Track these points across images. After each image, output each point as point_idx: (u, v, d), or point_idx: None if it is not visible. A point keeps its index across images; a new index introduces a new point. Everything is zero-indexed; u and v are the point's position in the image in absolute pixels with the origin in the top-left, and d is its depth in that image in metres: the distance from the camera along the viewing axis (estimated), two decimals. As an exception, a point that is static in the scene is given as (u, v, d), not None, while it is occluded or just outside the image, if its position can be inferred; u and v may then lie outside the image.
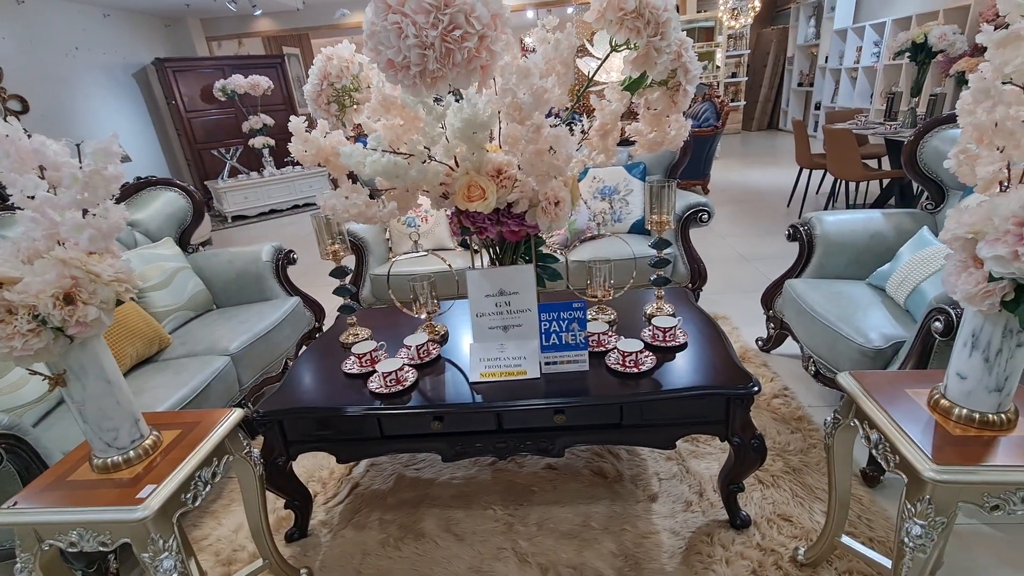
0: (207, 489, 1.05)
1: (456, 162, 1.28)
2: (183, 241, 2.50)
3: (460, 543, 1.47)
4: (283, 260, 2.46)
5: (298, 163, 6.86)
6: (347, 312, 1.70)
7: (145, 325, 1.91)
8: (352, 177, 3.14)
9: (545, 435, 1.38)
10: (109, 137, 0.88)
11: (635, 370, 1.36)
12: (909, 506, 0.88)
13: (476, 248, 1.61)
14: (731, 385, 1.29)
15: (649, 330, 1.54)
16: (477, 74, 0.96)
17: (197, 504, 1.02)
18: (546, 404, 1.32)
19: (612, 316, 1.70)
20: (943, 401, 0.95)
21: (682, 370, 1.39)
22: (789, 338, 2.22)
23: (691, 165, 3.90)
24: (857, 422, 1.06)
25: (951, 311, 1.31)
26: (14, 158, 0.87)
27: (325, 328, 2.70)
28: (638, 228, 2.87)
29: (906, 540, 0.88)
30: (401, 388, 1.38)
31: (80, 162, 0.86)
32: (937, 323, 1.34)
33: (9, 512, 0.90)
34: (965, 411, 0.91)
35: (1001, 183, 0.79)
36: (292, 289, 2.49)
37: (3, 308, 0.79)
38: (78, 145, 0.85)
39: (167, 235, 2.42)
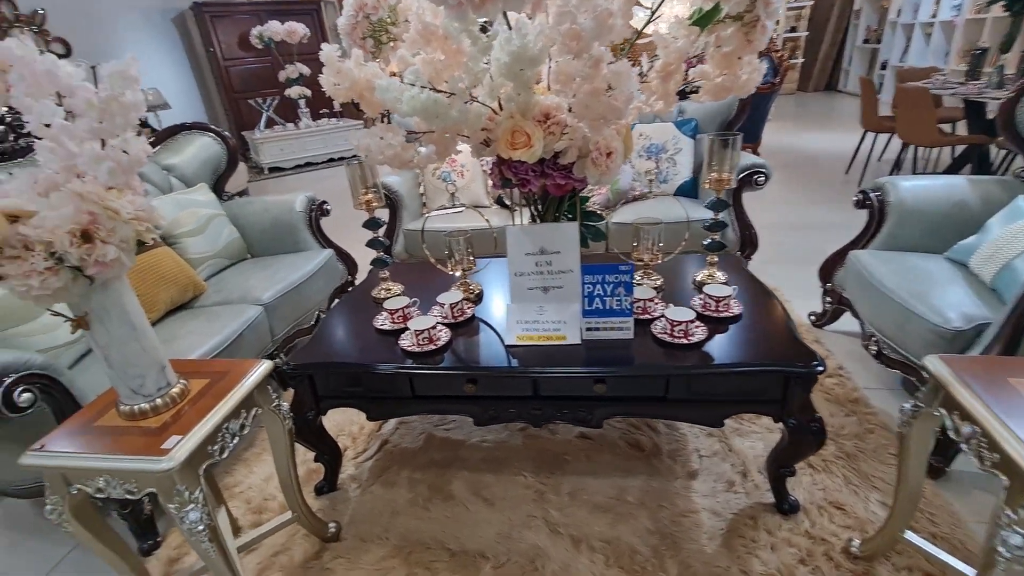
0: (235, 441, 1.02)
1: (500, 105, 1.17)
2: (218, 188, 2.46)
3: (490, 508, 1.43)
4: (316, 211, 2.41)
5: (334, 115, 6.70)
6: (380, 266, 1.63)
7: (179, 271, 1.90)
8: (385, 118, 3.03)
9: (583, 404, 1.30)
10: (127, 60, 0.80)
11: (684, 341, 1.26)
12: (1009, 512, 0.77)
13: (512, 206, 1.50)
14: (791, 362, 1.18)
15: (700, 298, 1.42)
16: (532, -6, 0.83)
17: (225, 456, 0.99)
18: (586, 373, 1.23)
19: (659, 282, 1.58)
20: (1058, 395, 0.82)
21: (736, 343, 1.27)
22: (846, 314, 2.06)
23: (742, 126, 3.62)
24: (945, 412, 0.93)
25: (1059, 292, 1.14)
26: (29, 81, 0.80)
27: (358, 283, 2.67)
28: (685, 190, 2.69)
29: (1001, 550, 0.77)
30: (434, 347, 1.32)
31: (96, 87, 0.79)
32: (1039, 305, 1.17)
33: (36, 455, 0.89)
34: (1088, 408, 0.78)
35: None
36: (325, 241, 2.45)
37: (19, 243, 0.74)
38: (93, 67, 0.77)
39: (202, 181, 2.38)
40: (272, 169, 6.17)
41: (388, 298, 1.58)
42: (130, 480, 0.89)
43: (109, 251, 0.78)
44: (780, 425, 1.25)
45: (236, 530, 1.41)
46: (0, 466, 1.42)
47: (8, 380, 1.12)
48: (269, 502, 1.50)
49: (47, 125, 0.80)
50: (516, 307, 1.38)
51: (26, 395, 1.13)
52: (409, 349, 1.32)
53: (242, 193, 4.98)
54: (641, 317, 1.38)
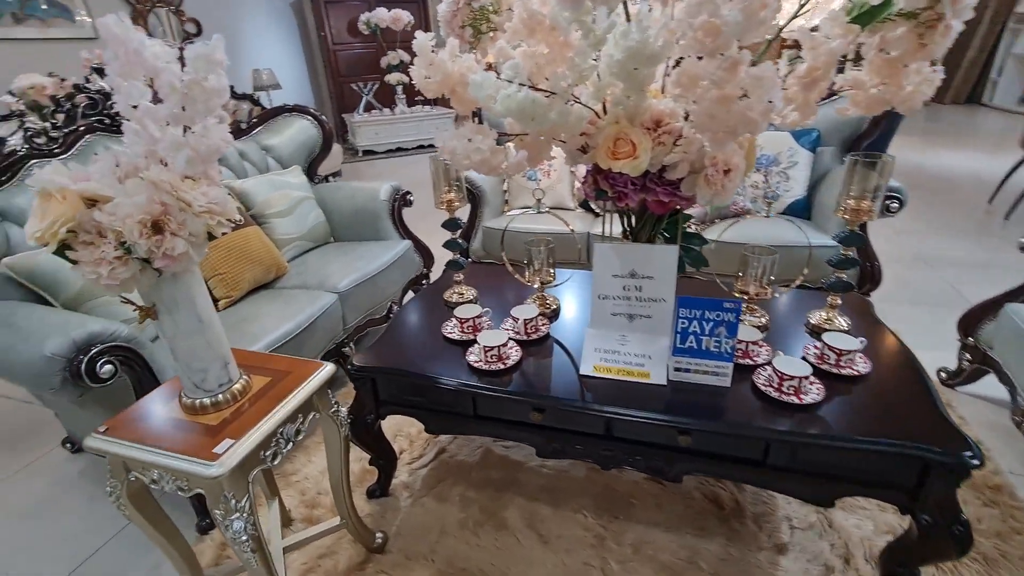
0: (289, 447, 0.98)
1: (604, 108, 1.03)
2: (311, 170, 2.52)
3: (544, 546, 1.31)
4: (400, 201, 2.40)
5: (428, 102, 6.84)
6: (454, 268, 1.55)
7: (266, 252, 1.94)
8: (476, 117, 2.96)
9: (662, 454, 1.14)
10: (214, 41, 0.75)
11: (794, 399, 1.06)
12: None
13: (603, 212, 1.35)
14: (933, 446, 0.95)
15: (816, 348, 1.21)
16: (666, -21, 0.68)
17: (277, 463, 0.95)
18: (669, 422, 1.07)
19: (763, 320, 1.37)
20: None
21: (860, 411, 1.06)
22: (989, 377, 1.72)
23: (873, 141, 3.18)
24: None
25: None
26: (123, 60, 0.77)
27: (432, 275, 2.64)
28: (796, 210, 2.40)
29: None
30: (502, 367, 1.21)
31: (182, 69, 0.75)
32: None
33: (99, 439, 0.89)
34: None
35: None
36: (405, 231, 2.43)
37: (93, 229, 0.72)
38: (182, 48, 0.73)
39: (297, 163, 2.44)
40: (366, 152, 6.38)
41: (460, 303, 1.50)
42: (181, 479, 0.86)
43: (178, 244, 0.74)
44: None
45: (287, 522, 1.40)
46: (84, 424, 1.50)
47: (94, 350, 1.16)
48: (323, 497, 1.49)
49: (134, 107, 0.77)
50: (595, 333, 1.24)
51: (107, 367, 1.16)
52: (476, 365, 1.22)
53: (335, 174, 5.18)
54: (740, 361, 1.19)
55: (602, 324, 1.24)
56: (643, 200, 1.13)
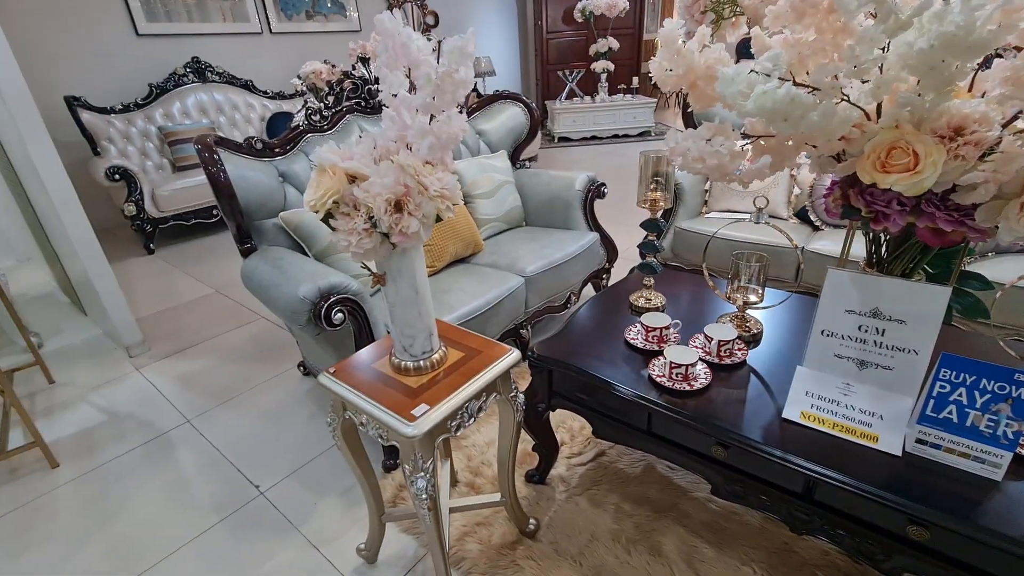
0: (471, 422, 1.03)
1: (878, 109, 0.84)
2: (514, 155, 2.63)
3: (702, 590, 1.20)
4: (593, 192, 2.37)
5: (629, 91, 6.65)
6: (646, 272, 1.47)
7: (468, 229, 2.09)
8: (688, 121, 2.74)
9: (879, 539, 0.93)
10: (468, 34, 0.79)
11: (1114, 526, 0.76)
12: None
13: (820, 226, 1.12)
14: None
15: None
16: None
17: (458, 434, 1.01)
18: (901, 505, 0.86)
19: (1065, 402, 1.02)
20: None
21: None
22: None
23: None
24: None
25: None
26: (391, 53, 0.86)
27: (613, 269, 2.57)
28: None
29: None
30: (688, 388, 1.11)
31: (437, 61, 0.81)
32: None
33: (328, 378, 1.04)
34: None
35: None
36: (594, 224, 2.40)
37: (351, 202, 0.82)
38: (439, 42, 0.78)
39: (504, 147, 2.57)
40: (561, 138, 6.51)
41: (647, 310, 1.43)
42: (383, 429, 0.97)
43: (412, 224, 0.81)
44: None
45: (454, 483, 1.51)
46: (314, 355, 1.81)
47: (333, 298, 1.37)
48: (485, 468, 1.57)
49: (395, 95, 0.86)
50: (810, 374, 1.06)
51: (339, 315, 1.37)
52: (658, 379, 1.14)
53: (532, 159, 5.38)
54: (1021, 451, 0.90)
55: (820, 366, 1.05)
56: (910, 225, 0.91)
